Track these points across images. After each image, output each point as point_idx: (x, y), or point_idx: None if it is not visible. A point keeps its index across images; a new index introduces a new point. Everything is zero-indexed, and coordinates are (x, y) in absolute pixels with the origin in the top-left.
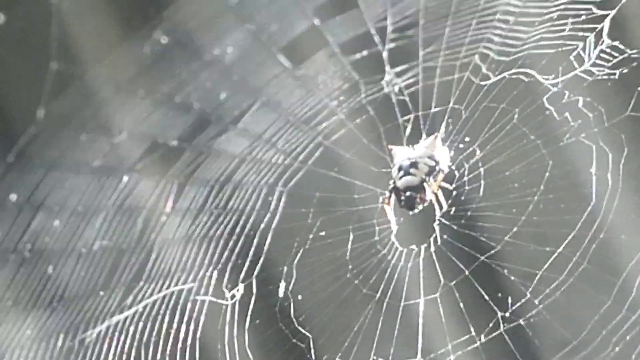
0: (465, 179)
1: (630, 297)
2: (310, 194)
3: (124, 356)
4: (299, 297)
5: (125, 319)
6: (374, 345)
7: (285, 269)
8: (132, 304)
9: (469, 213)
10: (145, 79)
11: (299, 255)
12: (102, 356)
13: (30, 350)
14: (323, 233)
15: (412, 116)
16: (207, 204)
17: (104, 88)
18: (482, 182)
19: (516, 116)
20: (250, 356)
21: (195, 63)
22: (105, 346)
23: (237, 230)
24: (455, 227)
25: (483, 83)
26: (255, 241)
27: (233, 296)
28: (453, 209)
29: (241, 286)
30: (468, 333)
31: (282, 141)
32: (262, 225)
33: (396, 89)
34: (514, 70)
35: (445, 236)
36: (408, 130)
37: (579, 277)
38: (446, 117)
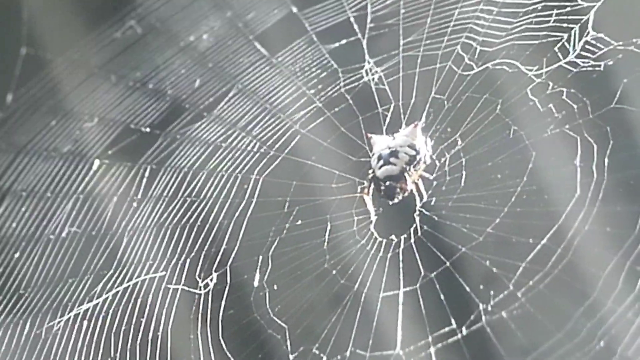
0: (447, 169)
1: (615, 290)
2: (287, 183)
3: (93, 345)
4: (275, 287)
5: (95, 307)
6: (352, 337)
7: (261, 258)
8: (101, 291)
9: (450, 204)
10: (118, 65)
11: (274, 244)
12: (71, 344)
13: None
14: (299, 222)
15: (392, 105)
16: (181, 191)
17: (75, 74)
18: (464, 172)
19: (499, 107)
20: (224, 346)
21: (169, 50)
22: (74, 334)
23: (211, 218)
24: (436, 218)
25: (465, 73)
26: (229, 230)
27: (206, 285)
28: (434, 199)
29: (215, 275)
30: (449, 325)
31: (259, 129)
32: (237, 214)
33: (376, 77)
34: (497, 61)
35: (425, 227)
36: (388, 120)
37: (563, 269)
38: (427, 107)
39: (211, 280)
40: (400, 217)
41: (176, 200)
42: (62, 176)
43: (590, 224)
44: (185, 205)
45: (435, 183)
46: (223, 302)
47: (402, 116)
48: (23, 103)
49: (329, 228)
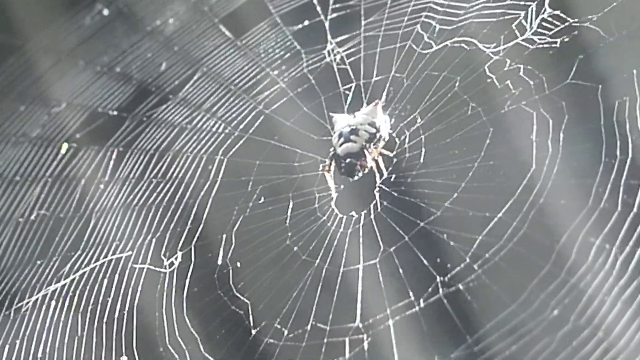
0: (406, 146)
1: (569, 261)
2: (251, 162)
3: (60, 324)
4: (238, 264)
5: (62, 287)
6: (313, 311)
7: (225, 236)
8: (69, 272)
9: (409, 180)
10: (86, 50)
11: (238, 223)
12: (39, 325)
13: None
14: (262, 200)
15: (353, 85)
16: (147, 172)
17: (43, 59)
18: (423, 149)
19: (457, 84)
20: (188, 323)
21: (136, 34)
22: (42, 315)
23: (177, 198)
24: (395, 194)
25: (425, 52)
26: (194, 209)
27: (171, 264)
28: (393, 175)
29: (179, 254)
30: (407, 298)
31: (223, 110)
32: (202, 194)
33: (338, 58)
34: (455, 39)
35: (385, 203)
36: (349, 99)
37: (518, 242)
38: (387, 85)
39: (176, 259)
40: (361, 193)
41: (142, 182)
42: (30, 160)
43: (545, 197)
44: (152, 186)
45: (395, 160)
46: (187, 280)
47: (363, 95)
48: None
49: (291, 206)
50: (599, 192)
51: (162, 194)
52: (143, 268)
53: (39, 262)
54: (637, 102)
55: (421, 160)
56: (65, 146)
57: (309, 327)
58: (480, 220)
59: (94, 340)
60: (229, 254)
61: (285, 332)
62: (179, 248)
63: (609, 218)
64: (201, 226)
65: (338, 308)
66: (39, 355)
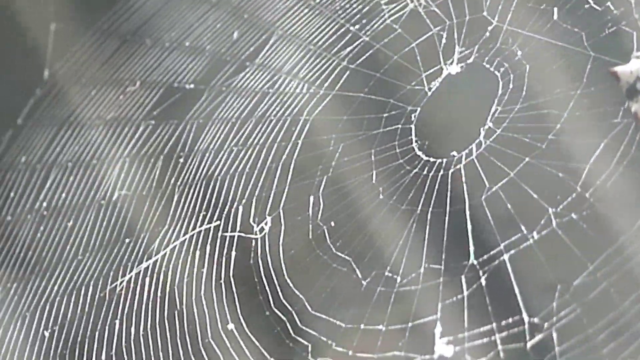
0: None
1: None
2: (336, 119)
3: (158, 300)
4: (332, 223)
5: (154, 263)
6: (424, 254)
7: (312, 198)
8: (159, 248)
9: (511, 115)
10: (151, 29)
11: (323, 184)
12: (136, 304)
13: (62, 304)
14: (346, 159)
15: (446, 25)
16: (227, 141)
17: (108, 44)
18: (526, 79)
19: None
20: (291, 284)
21: (202, 6)
22: (137, 293)
23: (259, 164)
24: (498, 130)
25: None
26: (277, 173)
27: (262, 229)
28: (498, 109)
29: (268, 219)
30: (519, 232)
31: (305, 70)
32: (284, 157)
33: (423, 1)
34: None
35: (488, 141)
36: (444, 41)
37: (627, 165)
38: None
39: (266, 224)
40: (462, 132)
41: (223, 151)
42: (107, 142)
43: None
44: (233, 154)
45: (499, 92)
46: (281, 244)
47: (456, 36)
48: (60, 77)
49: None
50: None
51: (244, 161)
52: (234, 236)
53: (127, 241)
54: None
55: (523, 93)
56: (143, 125)
57: (422, 269)
58: (586, 148)
59: (195, 311)
60: (319, 215)
61: (398, 279)
62: (267, 213)
63: None
64: (286, 189)
65: (449, 248)
66: (141, 332)
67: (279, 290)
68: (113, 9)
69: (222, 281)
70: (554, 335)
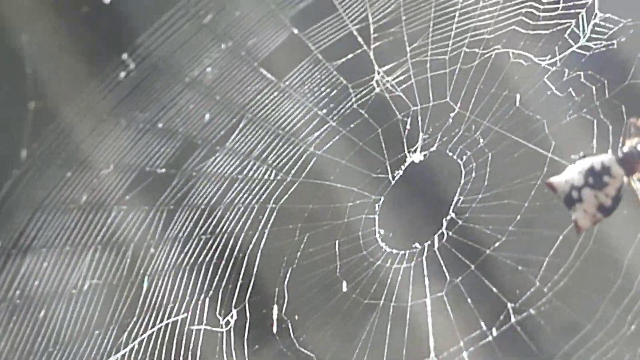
0: (473, 164)
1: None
2: (302, 208)
3: None
4: (296, 317)
5: (123, 357)
6: (385, 350)
7: (277, 290)
8: (127, 341)
9: (473, 205)
10: (126, 108)
11: (287, 275)
12: None
13: None
14: (311, 250)
15: (411, 111)
16: (196, 230)
17: (85, 122)
18: (488, 169)
19: (518, 100)
20: None
21: (175, 87)
22: None
23: (226, 254)
24: (460, 222)
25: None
26: (244, 264)
27: (228, 322)
28: (461, 199)
29: (234, 311)
30: (479, 328)
31: (273, 156)
32: (250, 247)
33: (388, 86)
34: (511, 54)
35: (449, 232)
36: (408, 127)
37: (585, 259)
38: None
39: (232, 317)
40: (419, 224)
41: (191, 240)
42: (80, 227)
43: None
44: (201, 243)
45: (461, 183)
46: (246, 338)
47: (420, 122)
48: (37, 158)
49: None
50: None
51: (212, 251)
52: (200, 329)
53: (97, 333)
54: None
55: (485, 183)
56: (115, 210)
57: None
58: (545, 241)
59: None
60: (284, 308)
61: None
62: (233, 305)
63: None
64: (252, 281)
65: (411, 343)
66: None
67: None
68: (90, 85)
69: None
70: None
